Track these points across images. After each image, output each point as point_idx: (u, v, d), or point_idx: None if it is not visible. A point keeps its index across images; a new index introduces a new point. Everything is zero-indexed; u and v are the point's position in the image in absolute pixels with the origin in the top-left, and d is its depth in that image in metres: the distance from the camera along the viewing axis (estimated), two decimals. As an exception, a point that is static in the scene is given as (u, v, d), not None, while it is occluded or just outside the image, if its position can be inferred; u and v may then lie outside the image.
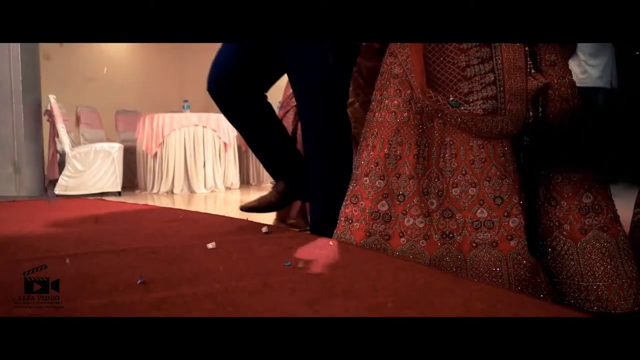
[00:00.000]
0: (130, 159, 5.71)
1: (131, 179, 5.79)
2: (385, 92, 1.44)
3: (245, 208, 1.83)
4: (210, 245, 1.35)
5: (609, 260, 1.32)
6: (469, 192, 1.34)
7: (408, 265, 1.19)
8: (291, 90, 2.23)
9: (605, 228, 1.34)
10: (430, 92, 1.34)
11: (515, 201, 1.31)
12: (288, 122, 2.30)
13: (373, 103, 1.48)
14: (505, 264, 1.30)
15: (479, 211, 1.33)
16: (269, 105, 1.80)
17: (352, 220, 1.46)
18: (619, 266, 1.32)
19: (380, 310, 0.86)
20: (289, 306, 0.88)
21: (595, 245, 1.33)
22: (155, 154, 5.38)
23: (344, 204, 1.50)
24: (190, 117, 5.48)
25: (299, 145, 2.10)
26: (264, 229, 1.59)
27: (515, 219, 1.30)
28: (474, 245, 1.32)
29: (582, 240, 1.34)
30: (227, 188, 5.74)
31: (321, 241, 1.44)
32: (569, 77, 1.35)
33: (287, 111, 2.29)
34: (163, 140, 5.37)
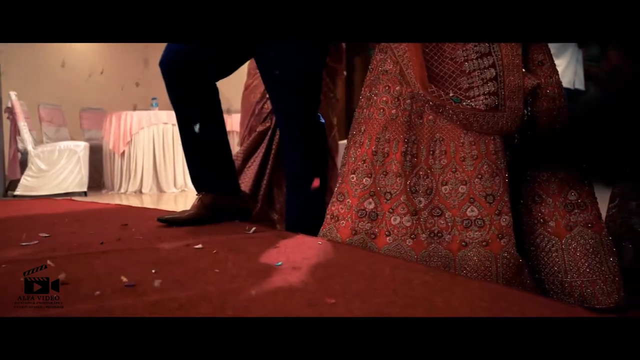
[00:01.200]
0: (96, 158, 5.55)
1: (97, 179, 5.63)
2: (374, 88, 1.43)
3: (163, 219, 1.67)
4: (197, 246, 1.31)
5: (593, 256, 1.35)
6: (459, 190, 1.34)
7: (402, 264, 1.18)
8: (257, 99, 2.21)
9: (589, 225, 1.36)
10: (433, 87, 1.33)
11: (506, 199, 1.31)
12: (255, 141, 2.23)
13: (362, 100, 1.47)
14: (494, 263, 1.30)
15: (469, 209, 1.32)
16: (218, 99, 1.71)
17: (338, 218, 1.44)
18: (603, 262, 1.35)
19: (385, 311, 0.84)
20: (290, 308, 0.85)
21: (580, 241, 1.35)
22: (123, 152, 5.24)
23: (330, 201, 1.48)
24: (159, 115, 5.36)
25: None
26: (252, 230, 1.55)
27: (506, 217, 1.31)
28: (464, 244, 1.32)
29: (567, 237, 1.36)
30: (198, 187, 5.63)
31: (309, 240, 1.42)
32: (556, 76, 1.37)
33: (264, 118, 2.23)
34: (131, 139, 5.24)
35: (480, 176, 1.32)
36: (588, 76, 4.23)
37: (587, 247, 1.35)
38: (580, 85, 4.39)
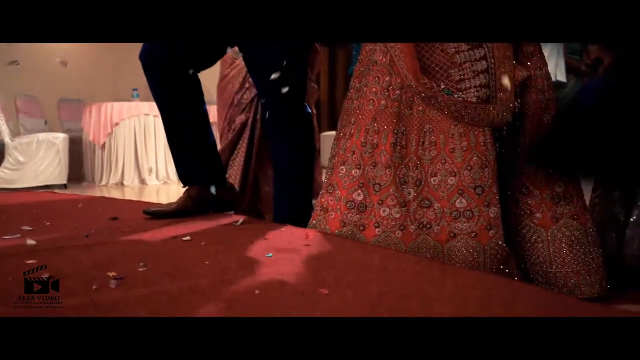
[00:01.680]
0: (76, 149, 5.44)
1: (76, 171, 5.52)
2: (363, 79, 1.42)
3: (148, 211, 1.64)
4: (185, 238, 1.29)
5: (577, 247, 1.36)
6: (448, 181, 1.34)
7: (393, 255, 1.18)
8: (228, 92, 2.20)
9: (575, 216, 1.38)
10: (425, 78, 1.33)
11: (494, 191, 1.32)
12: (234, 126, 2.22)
13: (351, 91, 1.46)
14: (482, 254, 1.31)
15: (457, 201, 1.33)
16: (200, 91, 1.69)
17: (327, 210, 1.44)
18: (587, 253, 1.37)
19: (378, 301, 0.84)
20: (283, 299, 0.84)
21: (566, 233, 1.37)
22: (104, 144, 5.15)
23: (320, 193, 1.48)
24: (140, 106, 5.27)
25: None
26: (240, 222, 1.54)
27: (494, 208, 1.31)
28: (452, 235, 1.32)
29: (552, 228, 1.37)
30: (180, 179, 5.56)
31: (298, 231, 1.41)
32: (546, 68, 1.38)
33: (243, 108, 2.21)
34: (112, 130, 5.15)
35: (469, 168, 1.32)
36: (569, 69, 4.29)
37: (572, 239, 1.36)
38: (561, 77, 4.45)
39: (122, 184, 5.17)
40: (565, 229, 1.37)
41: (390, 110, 1.38)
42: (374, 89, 1.40)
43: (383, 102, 1.39)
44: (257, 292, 0.87)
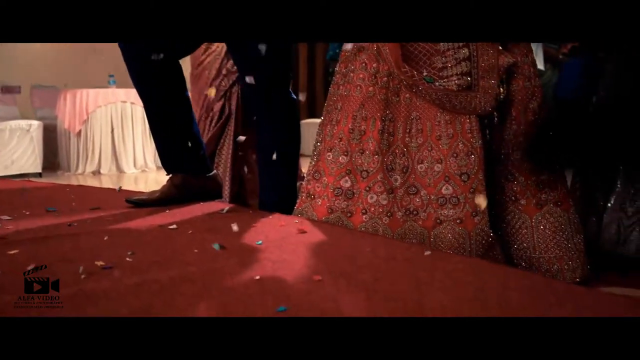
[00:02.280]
0: (50, 137, 5.31)
1: (51, 160, 5.39)
2: (350, 65, 1.41)
3: (131, 200, 1.61)
4: (171, 227, 1.28)
5: (560, 233, 1.39)
6: (435, 168, 1.35)
7: (382, 241, 1.19)
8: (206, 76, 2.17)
9: (559, 203, 1.40)
10: (406, 66, 1.33)
11: (480, 177, 1.33)
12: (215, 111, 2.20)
13: (337, 76, 1.45)
14: (468, 240, 1.33)
15: (444, 188, 1.34)
16: (182, 77, 1.66)
17: (314, 197, 1.43)
18: (569, 239, 1.40)
19: (372, 287, 0.84)
20: (278, 287, 0.84)
21: (549, 219, 1.39)
22: (79, 132, 5.04)
23: (305, 179, 1.47)
24: (117, 93, 5.17)
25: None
26: (226, 210, 1.53)
27: (480, 195, 1.33)
28: (439, 222, 1.34)
29: (537, 215, 1.40)
30: (159, 167, 5.49)
31: (286, 219, 1.40)
32: (531, 55, 1.39)
33: (221, 95, 2.18)
34: (87, 118, 5.03)
35: (455, 155, 1.33)
36: (547, 57, 4.35)
37: (555, 225, 1.39)
38: (540, 65, 4.51)
39: (99, 172, 5.07)
40: (549, 215, 1.40)
41: (378, 97, 1.38)
42: (361, 75, 1.39)
43: (371, 88, 1.38)
44: (250, 280, 0.87)
